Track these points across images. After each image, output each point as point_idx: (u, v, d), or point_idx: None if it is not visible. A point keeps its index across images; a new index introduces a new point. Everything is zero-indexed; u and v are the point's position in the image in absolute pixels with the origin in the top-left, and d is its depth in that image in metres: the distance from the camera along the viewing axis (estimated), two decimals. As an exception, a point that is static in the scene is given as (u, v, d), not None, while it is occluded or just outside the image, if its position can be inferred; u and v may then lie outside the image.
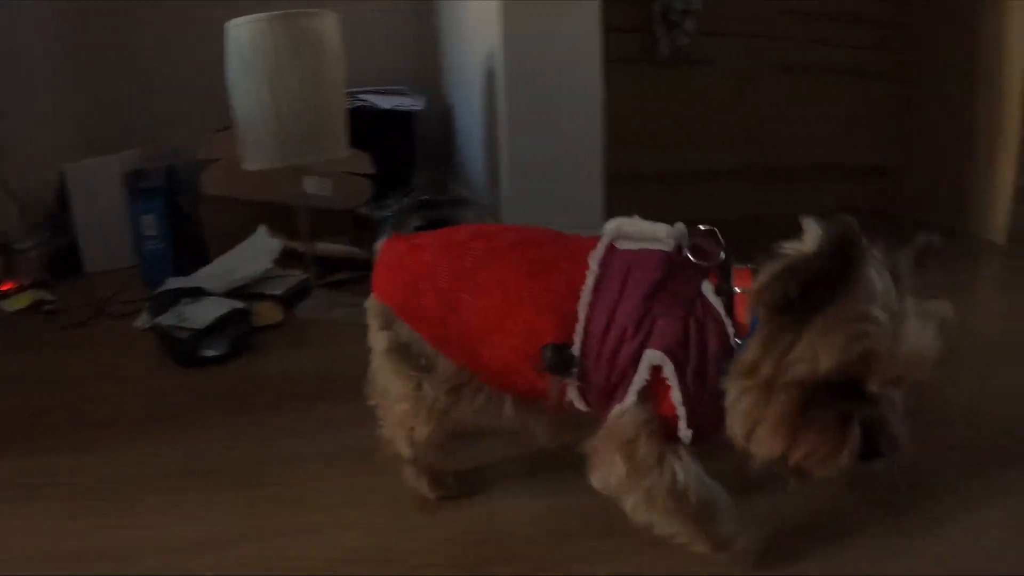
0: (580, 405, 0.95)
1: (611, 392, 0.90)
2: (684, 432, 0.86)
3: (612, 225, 0.95)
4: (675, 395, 0.84)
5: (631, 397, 0.87)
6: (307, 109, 1.70)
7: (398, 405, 1.04)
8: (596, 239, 0.95)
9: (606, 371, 0.89)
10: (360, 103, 2.33)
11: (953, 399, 1.26)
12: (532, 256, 0.96)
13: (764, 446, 0.78)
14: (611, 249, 0.93)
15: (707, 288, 0.87)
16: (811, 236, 0.76)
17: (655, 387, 0.86)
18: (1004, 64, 2.45)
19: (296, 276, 1.98)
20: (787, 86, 2.76)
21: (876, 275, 0.73)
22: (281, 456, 1.18)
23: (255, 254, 2.00)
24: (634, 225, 0.94)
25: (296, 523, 1.02)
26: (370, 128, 2.15)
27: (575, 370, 0.91)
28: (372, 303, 1.06)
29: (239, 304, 1.68)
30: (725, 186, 2.76)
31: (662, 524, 0.89)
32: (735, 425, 0.80)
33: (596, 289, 0.90)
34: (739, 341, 0.82)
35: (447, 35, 2.70)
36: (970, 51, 2.57)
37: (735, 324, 0.84)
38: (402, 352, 1.03)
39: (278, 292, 1.90)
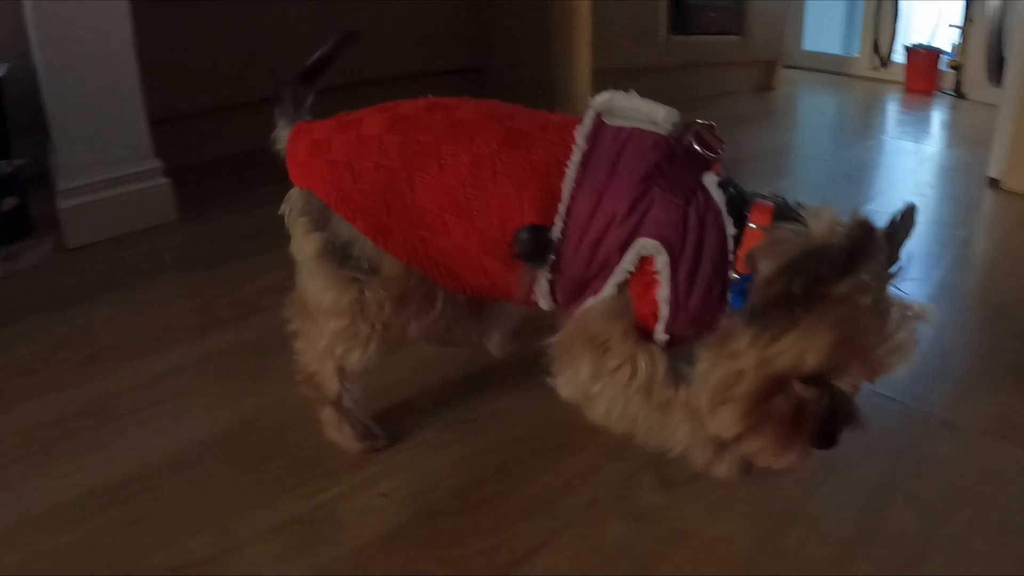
0: (545, 303, 0.86)
1: (586, 284, 0.82)
2: (660, 335, 0.80)
3: (602, 98, 0.84)
4: (662, 292, 0.77)
5: (609, 288, 0.79)
6: None
7: (332, 322, 0.88)
8: (575, 116, 0.85)
9: (586, 259, 0.80)
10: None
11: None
12: (509, 126, 0.83)
13: (722, 424, 0.76)
14: (599, 124, 0.82)
15: (710, 180, 0.79)
16: (824, 224, 0.74)
17: (639, 280, 0.79)
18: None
19: None
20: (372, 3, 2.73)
21: (872, 275, 0.71)
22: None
23: None
24: (628, 101, 0.84)
25: None
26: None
27: (551, 257, 0.81)
28: (295, 199, 0.88)
29: None
30: (318, 101, 2.67)
31: (630, 427, 0.83)
32: (700, 392, 0.77)
33: (583, 165, 0.80)
34: (736, 275, 0.77)
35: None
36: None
37: (739, 253, 0.77)
38: (340, 255, 0.86)
39: None
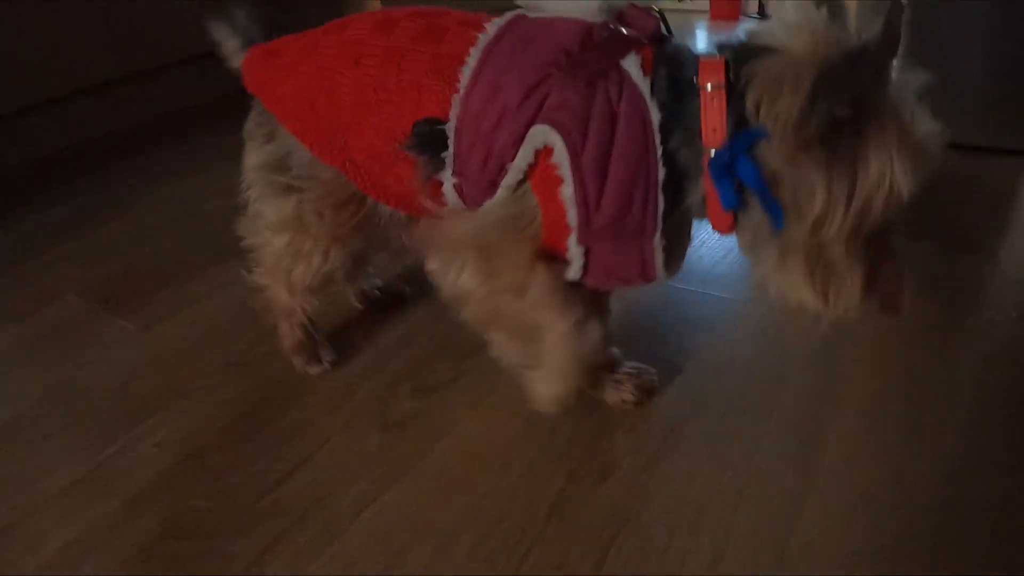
0: (453, 205, 0.78)
1: (491, 186, 0.73)
2: (573, 249, 0.71)
3: None
4: (565, 190, 0.67)
5: (503, 190, 0.71)
6: None
7: (276, 239, 0.90)
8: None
9: (482, 157, 0.72)
10: None
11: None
12: (431, 22, 0.77)
13: (849, 300, 0.66)
14: (518, 16, 0.75)
15: (631, 62, 0.68)
16: (806, 35, 0.61)
17: (542, 180, 0.69)
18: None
19: None
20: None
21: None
22: None
23: None
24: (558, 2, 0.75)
25: None
26: None
27: (446, 153, 0.74)
28: (252, 112, 0.89)
29: None
30: (97, 100, 2.48)
31: (508, 348, 0.80)
32: (799, 292, 0.66)
33: (485, 54, 0.72)
34: (712, 151, 0.66)
35: None
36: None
37: (703, 128, 0.66)
38: (279, 165, 0.86)
39: None
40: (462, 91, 0.71)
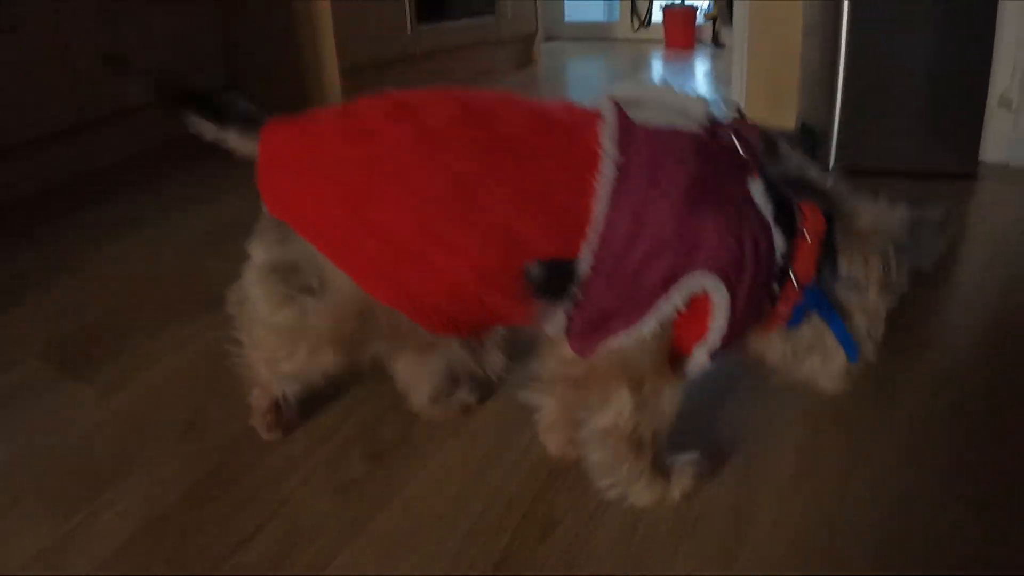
0: (554, 331, 0.77)
1: (613, 315, 0.71)
2: (701, 358, 0.76)
3: (623, 87, 0.75)
4: (716, 323, 0.71)
5: (650, 325, 0.71)
6: None
7: (270, 336, 0.84)
8: (586, 109, 0.73)
9: (622, 291, 0.69)
10: None
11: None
12: (498, 133, 0.69)
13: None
14: (625, 123, 0.70)
15: (756, 189, 0.71)
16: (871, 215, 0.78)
17: (693, 311, 0.71)
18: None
19: None
20: (110, 25, 2.56)
21: None
22: None
23: None
24: (652, 90, 0.75)
25: None
26: None
27: (575, 292, 0.71)
28: (265, 218, 0.79)
29: None
30: (56, 147, 2.46)
31: (616, 464, 0.83)
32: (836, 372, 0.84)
33: (619, 180, 0.67)
34: (798, 287, 0.76)
35: None
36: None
37: (796, 267, 0.75)
38: (286, 272, 0.78)
39: None
40: (597, 225, 0.68)
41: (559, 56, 4.86)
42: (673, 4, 5.21)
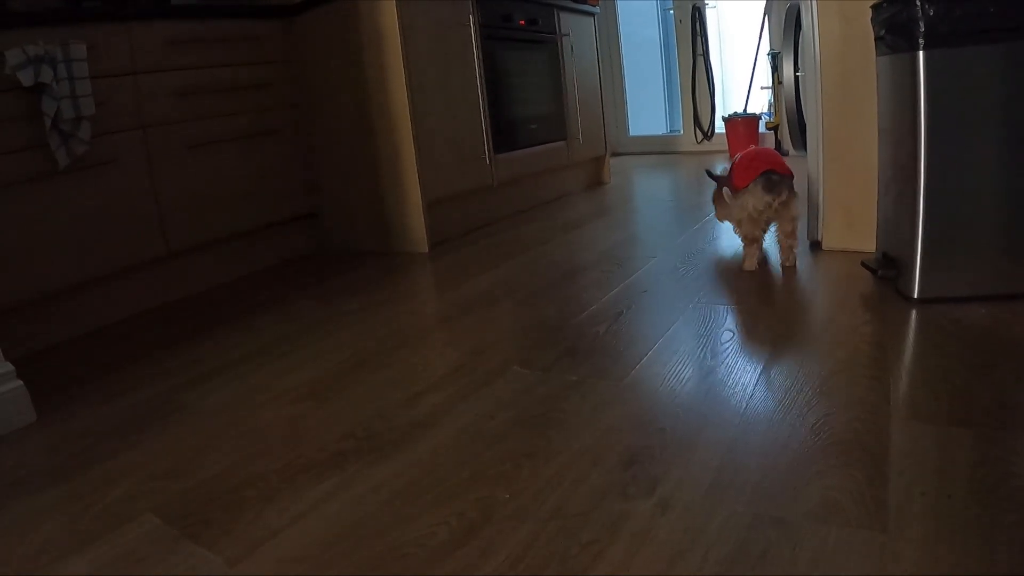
0: None
1: None
2: None
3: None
4: None
5: None
6: None
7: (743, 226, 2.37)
8: None
9: None
10: None
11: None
12: None
13: None
14: None
15: None
16: None
17: None
18: (389, 98, 2.87)
19: None
20: (197, 161, 2.78)
21: None
22: None
23: None
24: None
25: None
26: None
27: None
28: None
29: None
30: (145, 277, 2.65)
31: None
32: None
33: None
34: None
35: None
36: (358, 91, 2.95)
37: None
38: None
39: None
40: None
41: (625, 174, 4.95)
42: (735, 115, 5.30)
